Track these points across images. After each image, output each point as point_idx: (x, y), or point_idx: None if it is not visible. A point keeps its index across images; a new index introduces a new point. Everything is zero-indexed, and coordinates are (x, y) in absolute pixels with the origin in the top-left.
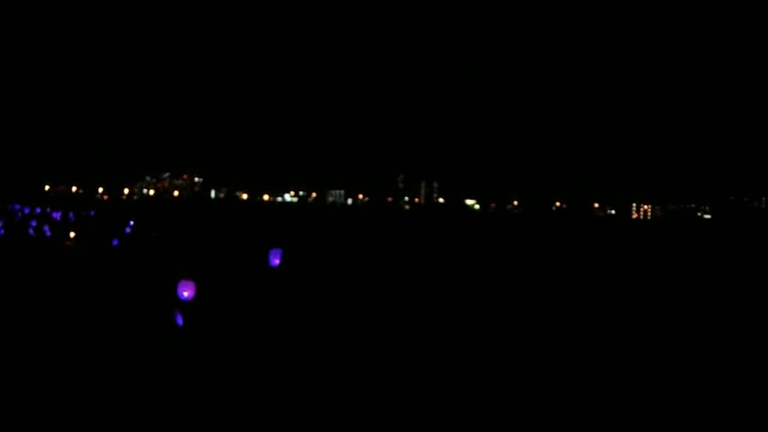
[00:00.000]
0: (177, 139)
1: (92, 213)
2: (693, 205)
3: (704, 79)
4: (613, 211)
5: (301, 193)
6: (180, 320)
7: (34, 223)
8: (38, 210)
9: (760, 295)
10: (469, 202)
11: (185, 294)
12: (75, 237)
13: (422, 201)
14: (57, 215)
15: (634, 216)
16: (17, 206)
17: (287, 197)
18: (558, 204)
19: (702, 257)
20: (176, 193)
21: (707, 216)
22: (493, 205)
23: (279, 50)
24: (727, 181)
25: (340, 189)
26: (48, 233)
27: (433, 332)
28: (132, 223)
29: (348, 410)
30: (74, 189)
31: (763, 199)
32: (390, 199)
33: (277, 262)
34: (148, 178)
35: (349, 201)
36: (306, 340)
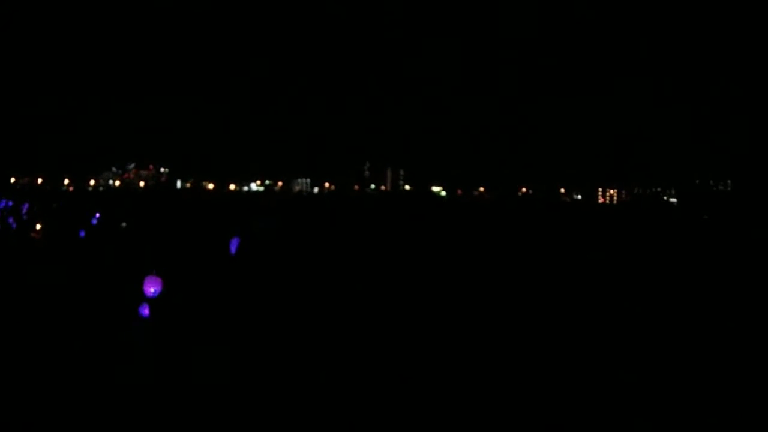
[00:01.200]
0: (142, 130)
1: (34, 207)
2: (659, 189)
3: (667, 65)
4: (579, 196)
5: (267, 182)
6: (146, 312)
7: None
8: (2, 203)
9: (729, 278)
10: (436, 189)
11: (152, 290)
12: (41, 229)
13: (389, 188)
14: (25, 207)
15: (600, 200)
16: None
17: (253, 186)
18: (524, 190)
19: (672, 241)
20: (142, 183)
21: (673, 200)
22: (459, 191)
23: (244, 40)
24: (692, 164)
25: (306, 177)
26: (13, 225)
27: (395, 318)
28: (98, 214)
29: (304, 398)
30: (39, 181)
31: (729, 182)
32: (357, 186)
33: (233, 250)
34: (114, 169)
35: (316, 189)
36: (267, 329)
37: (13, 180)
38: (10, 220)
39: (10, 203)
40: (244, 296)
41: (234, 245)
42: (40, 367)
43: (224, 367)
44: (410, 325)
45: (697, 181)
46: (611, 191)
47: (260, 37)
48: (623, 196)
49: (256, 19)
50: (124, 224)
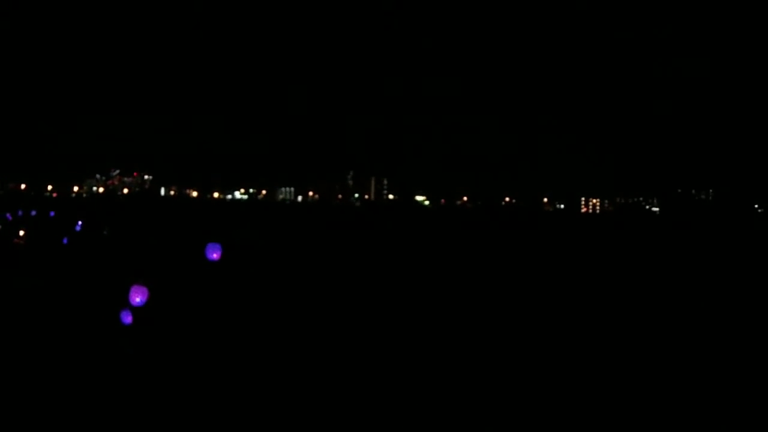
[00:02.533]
0: (126, 137)
1: (33, 213)
2: (641, 199)
3: (652, 75)
4: (561, 206)
5: (251, 190)
6: (127, 319)
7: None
8: None
9: (713, 285)
10: (419, 198)
11: (137, 299)
12: (24, 235)
13: (372, 197)
14: (9, 216)
15: (583, 210)
16: None
17: (237, 195)
18: (507, 199)
19: (655, 250)
20: (126, 190)
21: (655, 209)
22: (443, 201)
23: (230, 50)
24: (673, 174)
25: (290, 186)
26: None
27: (375, 327)
28: (81, 222)
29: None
30: (23, 187)
31: (710, 191)
32: (340, 196)
33: (215, 256)
34: (97, 176)
35: (299, 198)
36: (249, 336)
37: None
38: None
39: None
40: (224, 305)
41: (213, 251)
42: (25, 374)
43: (210, 373)
44: (395, 335)
45: (680, 190)
46: (594, 201)
47: (246, 47)
48: (606, 205)
49: (242, 28)
50: (106, 231)
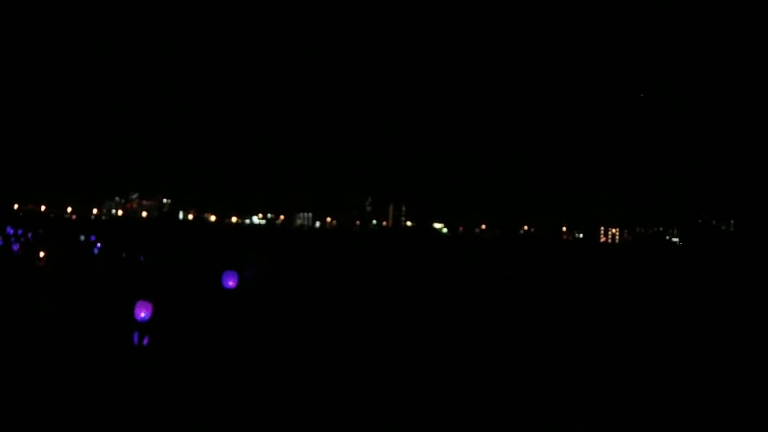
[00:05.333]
0: (146, 160)
1: (41, 231)
2: (661, 229)
3: (672, 102)
4: (581, 235)
5: (269, 215)
6: (136, 339)
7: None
8: (8, 230)
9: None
10: (437, 225)
11: (142, 315)
12: (45, 256)
13: (390, 224)
14: (30, 235)
15: (602, 239)
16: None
17: (255, 219)
18: (526, 228)
19: (674, 284)
20: (144, 213)
21: (675, 239)
22: (461, 228)
23: (249, 73)
24: (695, 203)
25: (308, 212)
26: (18, 252)
27: (392, 358)
28: (99, 244)
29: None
30: (43, 208)
31: (732, 222)
32: (358, 222)
33: (231, 284)
34: (117, 199)
35: (317, 224)
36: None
37: (16, 207)
38: (15, 247)
39: (20, 231)
40: (237, 330)
41: (229, 279)
42: (40, 382)
43: (220, 393)
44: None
45: (700, 221)
46: (613, 230)
47: (265, 71)
48: (625, 235)
49: (261, 52)
50: (124, 254)
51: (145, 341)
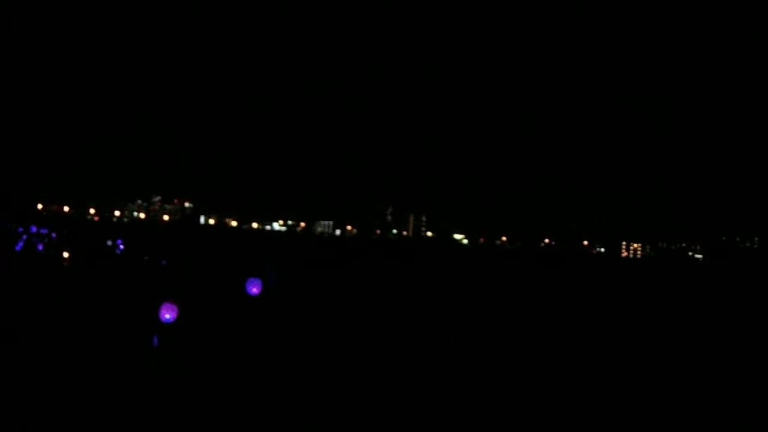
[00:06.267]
0: (169, 164)
1: (54, 236)
2: (683, 245)
3: (694, 117)
4: (602, 249)
5: (289, 222)
6: (156, 342)
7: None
8: (32, 229)
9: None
10: (458, 236)
11: (167, 316)
12: (69, 257)
13: (410, 234)
14: (54, 235)
15: (624, 254)
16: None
17: (276, 226)
18: (547, 241)
19: (695, 302)
20: (166, 217)
21: (698, 256)
22: (482, 239)
23: (273, 81)
24: (718, 220)
25: (328, 220)
26: (42, 251)
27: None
28: (122, 246)
29: None
30: (66, 209)
31: (756, 239)
32: (378, 231)
33: (255, 291)
34: (139, 201)
35: (338, 232)
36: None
37: (40, 207)
38: (40, 246)
39: (43, 230)
40: (258, 337)
41: (253, 286)
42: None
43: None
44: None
45: (724, 238)
46: (635, 245)
47: (291, 80)
48: (647, 250)
49: (288, 60)
50: (146, 257)
51: (155, 341)
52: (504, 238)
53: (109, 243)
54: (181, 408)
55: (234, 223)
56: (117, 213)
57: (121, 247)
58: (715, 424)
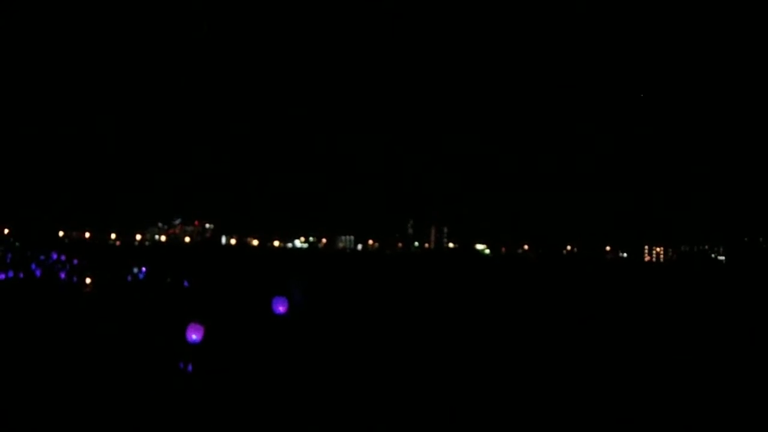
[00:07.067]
0: (188, 186)
1: (63, 258)
2: (706, 247)
3: (715, 120)
4: (625, 254)
5: (311, 239)
6: (189, 368)
7: (63, 275)
8: (53, 257)
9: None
10: (479, 246)
11: (194, 337)
12: (92, 282)
13: (432, 246)
14: (76, 261)
15: (647, 259)
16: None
17: (297, 243)
18: (569, 248)
19: (719, 305)
20: (187, 239)
21: (721, 258)
22: (503, 249)
23: (289, 99)
24: (741, 222)
25: (350, 234)
26: (64, 278)
27: (433, 385)
28: (145, 269)
29: None
30: (87, 235)
31: None
32: (400, 244)
33: (282, 309)
34: (160, 225)
35: (359, 246)
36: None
37: (61, 234)
38: (62, 274)
39: (63, 257)
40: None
41: (279, 305)
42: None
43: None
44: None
45: (746, 239)
46: (657, 249)
47: (306, 96)
48: (670, 254)
49: (306, 81)
50: (169, 279)
51: (189, 368)
52: (526, 247)
53: (135, 270)
54: (212, 428)
55: (255, 242)
56: (138, 237)
57: (144, 270)
58: (736, 426)
